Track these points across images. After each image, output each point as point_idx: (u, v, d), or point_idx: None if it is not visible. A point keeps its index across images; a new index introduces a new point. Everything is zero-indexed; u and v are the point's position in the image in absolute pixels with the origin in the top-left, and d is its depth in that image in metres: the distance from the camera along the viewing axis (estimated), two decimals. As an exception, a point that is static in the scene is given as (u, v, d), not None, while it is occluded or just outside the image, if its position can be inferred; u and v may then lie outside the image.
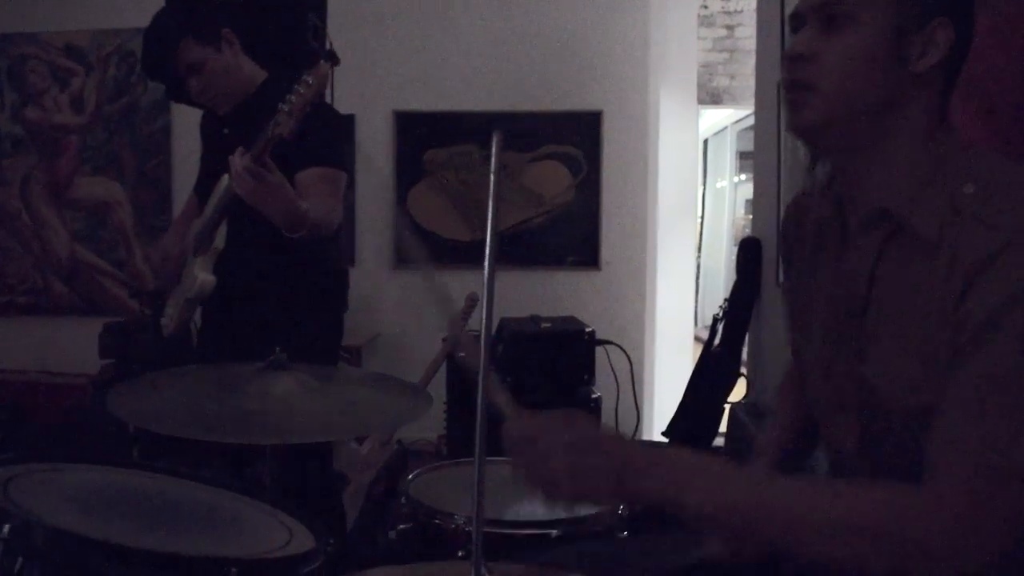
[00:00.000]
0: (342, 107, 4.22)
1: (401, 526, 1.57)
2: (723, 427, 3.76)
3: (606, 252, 5.33)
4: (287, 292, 2.49)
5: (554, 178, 5.30)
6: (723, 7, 7.01)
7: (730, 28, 7.07)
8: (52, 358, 5.05)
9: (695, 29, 6.01)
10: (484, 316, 0.99)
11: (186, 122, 4.46)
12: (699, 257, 8.49)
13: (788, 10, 1.28)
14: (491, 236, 0.97)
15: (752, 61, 4.30)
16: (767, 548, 1.09)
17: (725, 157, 9.34)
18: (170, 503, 1.36)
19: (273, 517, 1.36)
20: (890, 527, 1.02)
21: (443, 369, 3.65)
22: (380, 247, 5.37)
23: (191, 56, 2.39)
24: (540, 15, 5.26)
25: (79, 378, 4.75)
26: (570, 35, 5.27)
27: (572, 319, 4.14)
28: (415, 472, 1.74)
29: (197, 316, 2.63)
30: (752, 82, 4.12)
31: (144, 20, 2.48)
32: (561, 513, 1.31)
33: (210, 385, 1.57)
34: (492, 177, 0.94)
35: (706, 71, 6.95)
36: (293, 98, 1.99)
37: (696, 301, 7.71)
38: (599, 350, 3.97)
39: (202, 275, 2.43)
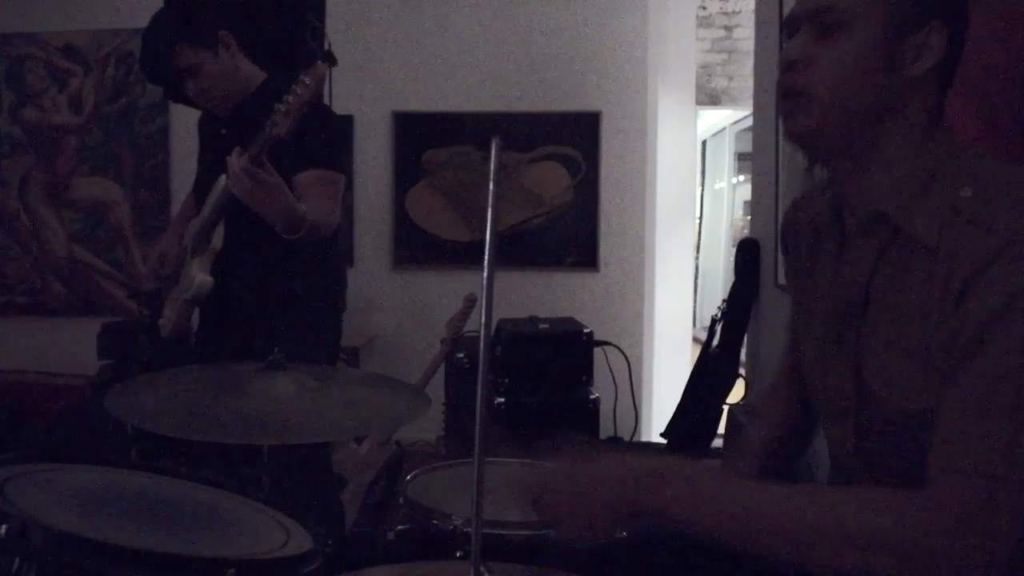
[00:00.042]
0: (341, 108, 4.23)
1: (399, 527, 1.57)
2: (721, 428, 3.76)
3: (604, 253, 5.33)
4: (285, 292, 2.49)
5: (553, 179, 5.30)
6: (721, 8, 7.02)
7: (728, 29, 7.07)
8: (50, 358, 5.05)
9: (693, 30, 6.02)
10: (483, 318, 0.99)
11: (184, 122, 4.47)
12: (697, 258, 8.50)
13: (787, 11, 1.28)
14: (490, 239, 0.97)
15: (750, 62, 4.30)
16: (770, 558, 1.09)
17: (723, 158, 9.34)
18: (168, 503, 1.36)
19: (271, 517, 1.36)
20: (894, 531, 1.02)
21: (441, 370, 3.65)
22: (379, 248, 5.36)
23: (187, 59, 2.39)
24: (539, 16, 5.27)
25: (77, 378, 4.75)
26: (569, 36, 5.27)
27: (570, 320, 4.15)
28: (413, 473, 1.74)
29: (195, 316, 2.62)
30: (750, 83, 4.12)
31: (143, 21, 2.48)
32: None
33: (208, 385, 1.57)
34: (491, 184, 0.93)
35: (704, 72, 6.96)
36: (290, 98, 1.99)
37: (694, 302, 7.72)
38: (597, 351, 3.98)
39: (200, 276, 2.43)
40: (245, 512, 1.38)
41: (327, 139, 2.45)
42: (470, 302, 3.37)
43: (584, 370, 3.83)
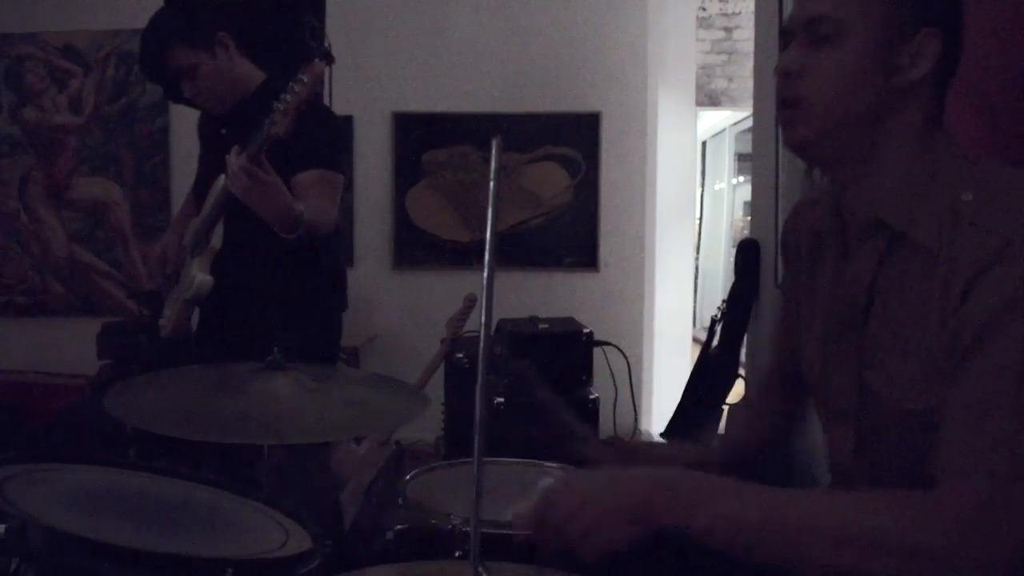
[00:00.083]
0: (340, 108, 4.23)
1: (399, 526, 1.56)
2: (721, 428, 3.76)
3: (604, 253, 5.33)
4: (285, 292, 2.49)
5: (552, 179, 5.30)
6: (721, 9, 7.03)
7: (728, 30, 7.08)
8: (50, 358, 5.05)
9: (693, 31, 6.02)
10: (483, 321, 0.99)
11: (184, 123, 4.46)
12: (697, 258, 8.50)
13: (787, 12, 1.28)
14: (490, 239, 0.97)
15: (750, 63, 4.29)
16: (776, 562, 1.10)
17: (723, 159, 9.35)
18: (167, 503, 1.36)
19: (270, 517, 1.36)
20: (898, 533, 1.02)
21: (441, 370, 3.65)
22: (379, 248, 5.37)
23: (184, 60, 2.39)
24: (539, 17, 5.27)
25: (77, 378, 4.75)
26: (568, 37, 5.27)
27: (570, 320, 4.14)
28: (413, 473, 1.74)
29: (195, 316, 2.62)
30: (750, 84, 4.12)
31: (143, 21, 2.48)
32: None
33: (208, 385, 1.57)
34: (492, 184, 0.93)
35: (704, 73, 6.97)
36: (288, 97, 1.99)
37: (694, 302, 7.71)
38: (597, 351, 3.97)
39: (199, 275, 2.43)
40: (244, 512, 1.38)
41: (326, 139, 2.46)
42: (470, 302, 3.37)
43: (584, 370, 3.83)
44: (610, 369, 4.18)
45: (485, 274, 0.98)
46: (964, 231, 1.09)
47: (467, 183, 5.28)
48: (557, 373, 3.76)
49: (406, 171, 5.35)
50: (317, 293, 2.57)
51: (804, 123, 1.19)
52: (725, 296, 4.02)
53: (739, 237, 6.06)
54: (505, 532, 1.36)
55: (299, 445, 1.98)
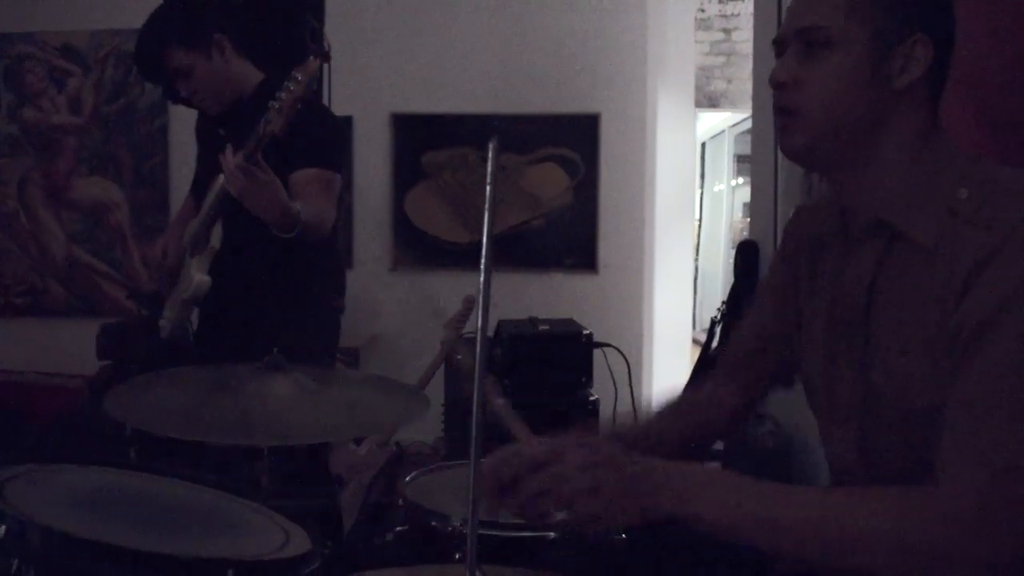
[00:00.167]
0: (340, 109, 4.22)
1: (398, 528, 1.57)
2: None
3: (604, 255, 5.33)
4: (283, 293, 2.49)
5: (552, 180, 5.30)
6: (720, 10, 7.03)
7: (727, 32, 7.08)
8: (49, 359, 5.04)
9: (692, 32, 6.03)
10: (480, 324, 0.99)
11: (184, 123, 4.45)
12: (697, 260, 8.50)
13: (785, 13, 1.29)
14: (487, 243, 0.97)
15: (749, 65, 4.30)
16: (776, 557, 1.10)
17: (722, 160, 9.34)
18: (167, 504, 1.36)
19: (270, 519, 1.36)
20: (901, 529, 1.03)
21: (441, 371, 3.64)
22: (378, 249, 5.36)
23: (179, 62, 2.40)
24: (538, 18, 5.26)
25: (76, 379, 4.74)
26: (568, 38, 5.27)
27: (570, 321, 4.14)
28: (412, 474, 1.74)
29: (195, 317, 2.62)
30: (749, 86, 4.13)
31: (142, 21, 2.48)
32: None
33: (207, 386, 1.57)
34: (488, 187, 0.94)
35: (703, 74, 6.97)
36: (283, 95, 1.99)
37: (694, 304, 7.72)
38: (597, 352, 3.97)
39: (198, 276, 2.43)
40: (244, 513, 1.38)
41: (323, 139, 2.46)
42: (469, 303, 3.36)
43: (584, 372, 3.82)
44: (610, 370, 4.18)
45: (481, 278, 0.98)
46: (962, 229, 1.10)
47: (467, 184, 5.28)
48: (557, 375, 3.77)
49: (405, 172, 5.34)
50: (316, 293, 2.57)
51: (800, 131, 1.21)
52: (725, 297, 4.02)
53: (738, 238, 6.06)
54: (504, 534, 1.36)
55: (299, 446, 1.98)
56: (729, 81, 7.14)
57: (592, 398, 3.79)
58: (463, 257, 5.23)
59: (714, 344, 3.98)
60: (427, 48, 5.28)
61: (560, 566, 1.34)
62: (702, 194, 9.29)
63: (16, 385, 4.81)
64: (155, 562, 1.09)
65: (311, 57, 2.06)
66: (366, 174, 5.31)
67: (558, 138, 5.28)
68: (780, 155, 3.60)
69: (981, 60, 1.81)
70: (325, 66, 3.80)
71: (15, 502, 1.18)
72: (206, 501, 1.40)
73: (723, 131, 8.93)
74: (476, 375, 1.02)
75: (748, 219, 4.56)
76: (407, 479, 1.73)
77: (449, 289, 4.46)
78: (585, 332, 3.89)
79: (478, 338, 1.02)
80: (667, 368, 5.55)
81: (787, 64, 1.21)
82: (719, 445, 3.82)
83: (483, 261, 0.97)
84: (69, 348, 4.94)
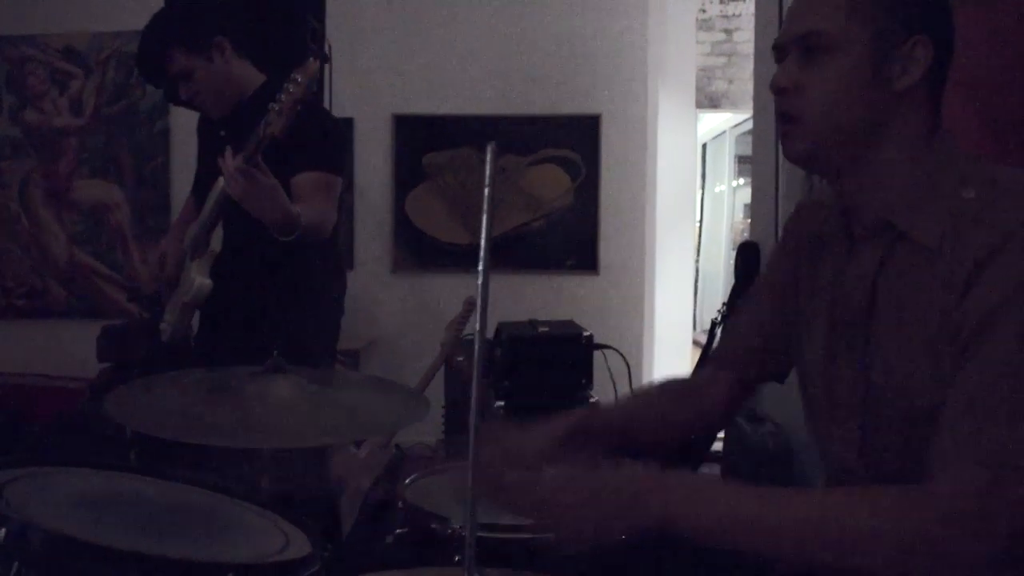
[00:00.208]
0: (341, 110, 4.23)
1: (398, 531, 1.56)
2: (720, 431, 3.76)
3: (604, 256, 5.33)
4: (284, 295, 2.49)
5: (553, 182, 5.30)
6: (721, 11, 7.02)
7: (728, 32, 7.08)
8: (50, 361, 5.04)
9: (693, 33, 6.03)
10: (478, 326, 0.99)
11: (185, 125, 4.46)
12: (697, 261, 8.49)
13: (785, 14, 1.30)
14: (485, 247, 0.97)
15: (750, 65, 4.30)
16: (773, 561, 1.10)
17: (723, 161, 9.33)
18: (167, 507, 1.36)
19: (270, 522, 1.36)
20: (897, 528, 1.03)
21: (441, 373, 3.64)
22: (379, 251, 5.37)
23: (180, 65, 2.40)
24: (539, 19, 5.27)
25: (77, 381, 4.75)
26: (569, 39, 5.28)
27: (570, 323, 4.14)
28: (412, 477, 1.74)
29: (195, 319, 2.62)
30: (750, 86, 4.13)
31: (143, 23, 2.48)
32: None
33: (207, 389, 1.57)
34: (487, 189, 0.94)
35: (704, 75, 6.96)
36: (283, 97, 1.99)
37: (694, 305, 7.71)
38: (597, 354, 3.96)
39: (198, 279, 2.43)
40: (244, 516, 1.38)
41: (324, 141, 2.46)
42: (470, 305, 3.37)
43: (584, 373, 3.82)
44: (610, 372, 4.18)
45: (480, 280, 0.98)
46: (966, 228, 1.10)
47: (468, 186, 5.28)
48: (556, 376, 3.77)
49: (406, 174, 5.35)
50: (316, 296, 2.57)
51: (803, 136, 1.22)
52: (725, 299, 4.02)
53: (739, 239, 6.06)
54: (503, 536, 1.36)
55: (299, 449, 1.98)
56: (730, 82, 7.13)
57: (592, 400, 3.79)
58: (464, 258, 5.23)
59: (715, 346, 3.97)
60: (428, 49, 5.29)
61: (560, 568, 1.34)
62: (703, 195, 9.28)
63: (17, 387, 4.81)
64: (155, 565, 1.09)
65: (310, 59, 2.06)
66: (367, 175, 5.32)
67: (559, 139, 5.28)
68: (781, 156, 3.59)
69: (981, 61, 1.82)
70: (326, 67, 3.81)
71: (15, 504, 1.18)
72: (206, 504, 1.40)
73: (724, 132, 8.93)
74: (474, 377, 1.02)
75: (749, 220, 4.56)
76: (407, 481, 1.73)
77: (450, 291, 4.46)
78: (585, 334, 3.89)
79: (476, 340, 1.02)
80: (667, 369, 5.54)
81: (788, 69, 1.22)
82: (718, 446, 3.83)
83: (481, 264, 0.97)
84: (70, 350, 4.94)
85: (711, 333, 4.03)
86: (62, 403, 4.64)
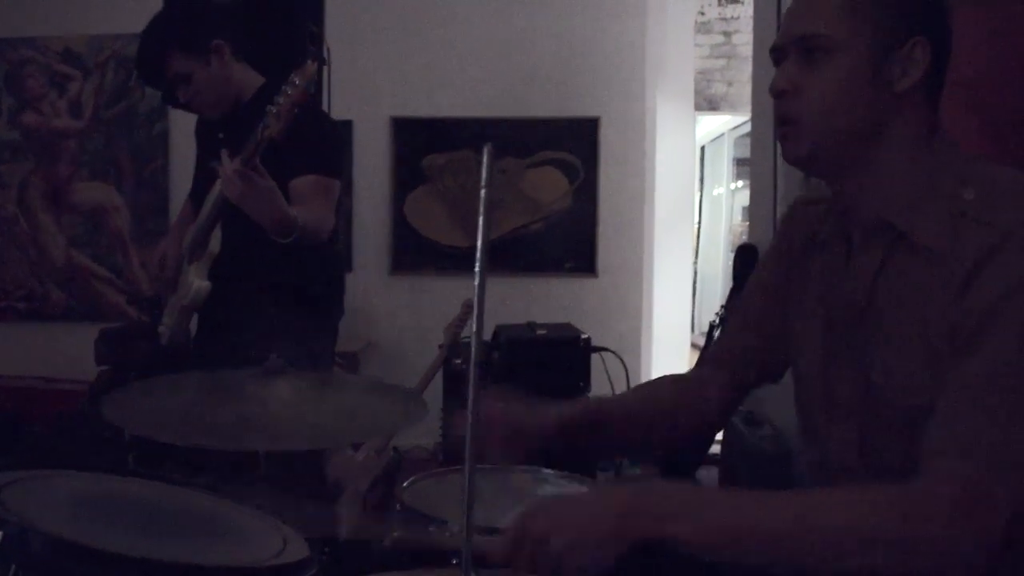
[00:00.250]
0: (340, 113, 4.23)
1: (396, 533, 1.56)
2: (719, 435, 3.76)
3: (603, 258, 5.33)
4: (282, 297, 2.49)
5: (551, 184, 5.30)
6: (720, 14, 7.03)
7: (727, 35, 7.08)
8: (49, 364, 5.04)
9: (692, 36, 6.04)
10: (475, 328, 0.99)
11: (184, 127, 4.46)
12: (696, 263, 8.50)
13: (783, 17, 1.30)
14: (481, 248, 0.97)
15: (749, 68, 4.31)
16: (771, 566, 1.10)
17: (722, 164, 9.34)
18: (165, 510, 1.36)
19: (268, 525, 1.36)
20: (893, 526, 1.03)
21: (439, 375, 3.65)
22: (377, 253, 5.37)
23: (178, 68, 2.40)
24: (538, 22, 5.27)
25: (76, 384, 4.75)
26: (568, 42, 5.28)
27: (568, 326, 4.14)
28: (410, 479, 1.74)
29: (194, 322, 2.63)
30: (749, 89, 4.13)
31: (142, 25, 2.48)
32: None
33: (205, 391, 1.57)
34: (483, 191, 0.94)
35: (703, 78, 6.97)
36: (281, 99, 2.00)
37: (693, 307, 7.71)
38: (595, 357, 3.97)
39: (197, 281, 2.43)
40: (242, 519, 1.38)
41: (322, 144, 2.46)
42: (468, 307, 3.37)
43: (582, 376, 3.82)
44: (608, 375, 4.18)
45: (477, 281, 0.98)
46: (967, 227, 1.11)
47: (467, 188, 5.29)
48: (554, 379, 3.77)
49: (405, 176, 5.35)
50: (315, 298, 2.57)
51: (802, 139, 1.22)
52: (724, 301, 4.02)
53: (738, 242, 6.07)
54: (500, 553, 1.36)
55: (297, 451, 1.98)
56: (729, 84, 7.14)
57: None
58: (463, 261, 5.23)
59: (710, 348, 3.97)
60: (427, 52, 5.29)
61: (558, 568, 1.34)
62: (701, 198, 9.29)
63: (15, 390, 4.81)
64: (153, 568, 1.09)
65: (309, 61, 2.06)
66: (366, 178, 5.32)
67: (558, 142, 5.29)
68: (779, 158, 3.61)
69: (981, 61, 1.82)
70: (325, 70, 3.81)
71: (13, 507, 1.17)
72: (204, 507, 1.40)
73: (722, 134, 8.93)
74: (471, 379, 1.02)
75: (747, 223, 4.57)
76: (405, 484, 1.73)
77: (448, 293, 4.47)
78: (583, 337, 3.89)
79: (473, 342, 1.02)
80: (666, 372, 5.53)
81: (787, 72, 1.22)
82: (716, 449, 3.83)
83: (478, 264, 0.97)
84: (69, 353, 4.94)
85: (709, 336, 4.03)
86: (60, 406, 4.64)
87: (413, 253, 5.34)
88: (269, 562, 1.21)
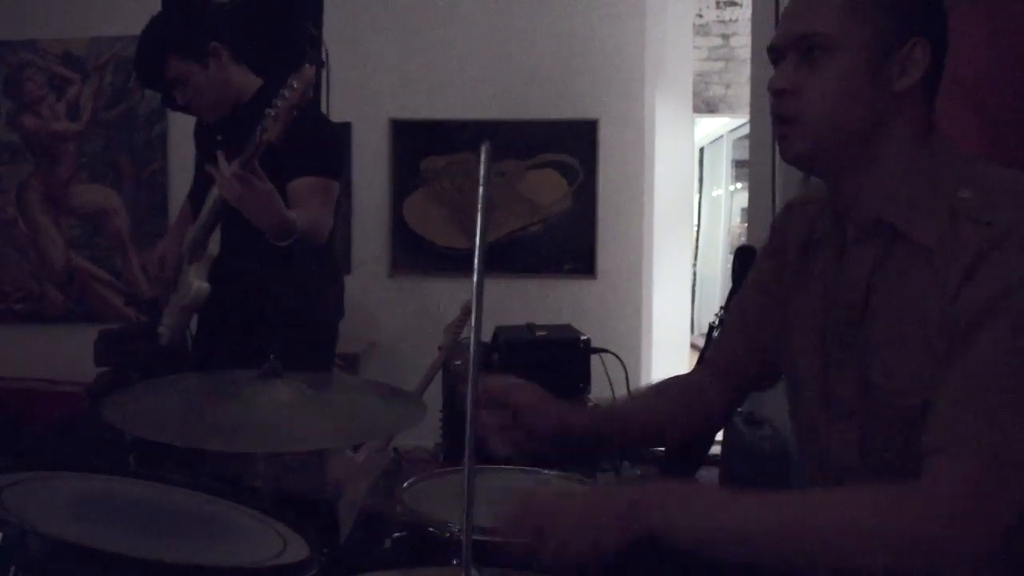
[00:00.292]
0: (338, 115, 4.23)
1: (396, 534, 1.56)
2: (719, 435, 3.76)
3: (602, 260, 5.33)
4: (281, 299, 2.49)
5: (550, 186, 5.30)
6: (718, 16, 7.04)
7: (725, 37, 7.09)
8: (48, 365, 5.04)
9: (691, 38, 6.04)
10: (473, 328, 1.00)
11: (183, 129, 4.46)
12: (695, 265, 8.50)
13: (782, 14, 1.30)
14: (479, 248, 0.97)
15: (747, 70, 4.31)
16: (772, 565, 1.10)
17: (721, 165, 9.35)
18: (165, 511, 1.36)
19: (268, 526, 1.36)
20: (893, 525, 1.03)
21: (439, 377, 3.64)
22: (376, 255, 5.37)
23: (176, 71, 2.40)
24: (537, 24, 5.27)
25: (75, 386, 4.74)
26: (566, 44, 5.28)
27: (568, 327, 4.14)
28: (411, 480, 1.74)
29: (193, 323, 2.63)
30: (747, 91, 4.14)
31: (141, 28, 2.48)
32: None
33: (205, 393, 1.57)
34: (481, 189, 0.94)
35: (702, 80, 6.97)
36: (279, 102, 2.00)
37: (692, 309, 7.71)
38: (595, 358, 3.97)
39: (196, 283, 2.43)
40: (242, 520, 1.38)
41: (321, 146, 2.46)
42: (468, 309, 3.37)
43: (581, 377, 3.82)
44: (608, 376, 4.18)
45: (475, 279, 0.99)
46: (963, 226, 1.11)
47: (465, 190, 5.29)
48: (554, 381, 3.76)
49: (404, 178, 5.35)
50: (314, 300, 2.57)
51: (801, 138, 1.22)
52: (723, 302, 4.02)
53: (736, 243, 6.07)
54: (500, 539, 1.36)
55: (297, 452, 1.98)
56: (727, 86, 7.14)
57: (590, 404, 3.78)
58: (462, 263, 5.22)
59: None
60: (426, 54, 5.29)
61: (558, 568, 1.34)
62: (700, 199, 9.29)
63: (15, 391, 4.81)
64: (153, 569, 1.09)
65: (307, 64, 2.06)
66: (365, 180, 5.32)
67: (557, 143, 5.29)
68: (778, 160, 3.61)
69: (981, 61, 1.82)
70: (324, 72, 3.81)
71: (13, 509, 1.18)
72: (204, 508, 1.40)
73: (721, 136, 8.94)
74: (470, 380, 1.02)
75: (746, 224, 4.57)
76: (405, 485, 1.73)
77: (448, 295, 4.47)
78: (582, 338, 3.89)
79: (471, 343, 1.02)
80: (665, 373, 5.50)
81: (786, 71, 1.22)
82: (716, 450, 3.83)
83: (476, 265, 0.97)
84: (68, 354, 4.93)
85: (709, 337, 4.03)
86: (60, 407, 4.64)
87: (412, 255, 5.34)
88: (269, 562, 1.21)
